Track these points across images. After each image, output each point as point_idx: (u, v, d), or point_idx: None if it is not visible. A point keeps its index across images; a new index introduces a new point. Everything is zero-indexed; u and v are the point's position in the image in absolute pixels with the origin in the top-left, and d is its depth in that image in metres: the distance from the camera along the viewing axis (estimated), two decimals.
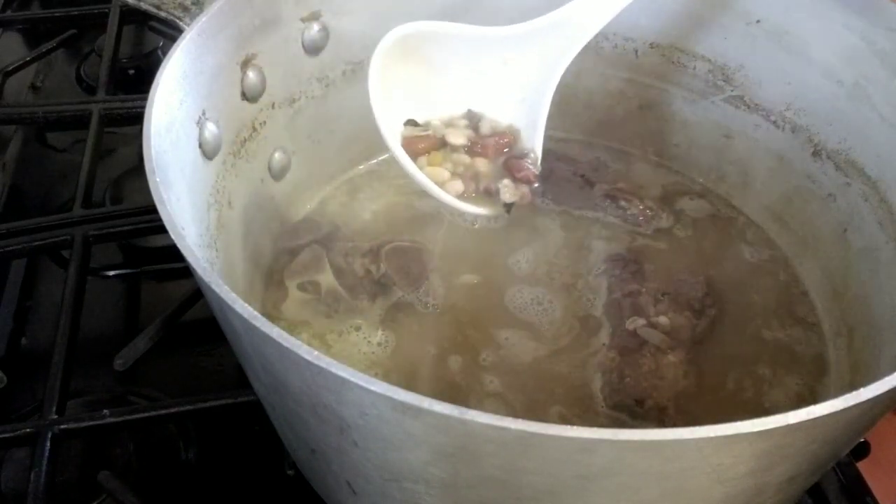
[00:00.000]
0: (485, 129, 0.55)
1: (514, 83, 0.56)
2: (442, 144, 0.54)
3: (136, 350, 0.59)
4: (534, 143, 0.55)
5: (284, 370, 0.34)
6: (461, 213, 0.55)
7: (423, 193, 0.60)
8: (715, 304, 0.56)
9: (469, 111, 0.57)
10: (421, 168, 0.53)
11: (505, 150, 0.55)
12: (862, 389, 0.30)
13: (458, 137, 0.54)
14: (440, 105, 0.56)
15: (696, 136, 0.67)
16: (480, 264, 0.59)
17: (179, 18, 0.55)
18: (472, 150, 0.54)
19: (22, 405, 0.60)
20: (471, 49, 0.55)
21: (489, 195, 0.54)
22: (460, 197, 0.53)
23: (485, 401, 0.51)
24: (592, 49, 0.65)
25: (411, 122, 0.55)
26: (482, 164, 0.54)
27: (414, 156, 0.53)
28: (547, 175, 0.64)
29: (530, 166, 0.54)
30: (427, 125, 0.55)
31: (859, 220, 0.55)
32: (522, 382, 0.52)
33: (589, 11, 0.53)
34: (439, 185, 0.52)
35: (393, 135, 0.53)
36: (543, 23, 0.54)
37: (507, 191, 0.53)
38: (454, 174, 0.53)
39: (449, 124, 0.55)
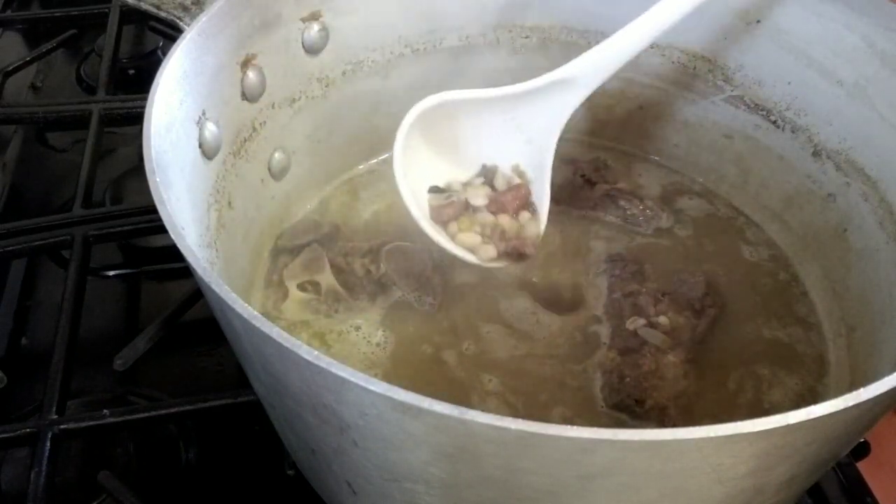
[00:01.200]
0: (500, 184, 0.57)
1: (521, 128, 0.57)
2: (466, 207, 0.56)
3: (136, 350, 0.59)
4: (542, 185, 0.57)
5: (284, 370, 0.34)
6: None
7: None
8: (715, 304, 0.56)
9: (483, 167, 0.58)
10: (454, 235, 0.55)
11: (525, 204, 0.57)
12: (862, 389, 0.30)
13: (478, 199, 0.56)
14: (456, 166, 0.58)
15: (696, 136, 0.67)
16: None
17: (179, 18, 0.55)
18: (491, 207, 0.56)
19: (22, 405, 0.60)
20: (481, 109, 0.56)
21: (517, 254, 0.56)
22: (492, 259, 0.55)
23: (486, 400, 0.51)
24: None
25: (435, 189, 0.56)
26: (504, 220, 0.56)
27: (443, 223, 0.55)
28: None
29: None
30: (449, 188, 0.57)
31: (859, 220, 0.55)
32: (523, 382, 0.52)
33: (592, 69, 0.55)
34: (472, 249, 0.55)
35: (419, 208, 0.55)
36: (548, 80, 0.55)
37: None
38: (484, 237, 0.55)
39: (468, 185, 0.57)
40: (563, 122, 0.56)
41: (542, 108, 0.56)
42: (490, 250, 0.55)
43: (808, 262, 0.60)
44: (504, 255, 0.55)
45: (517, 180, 0.57)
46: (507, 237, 0.55)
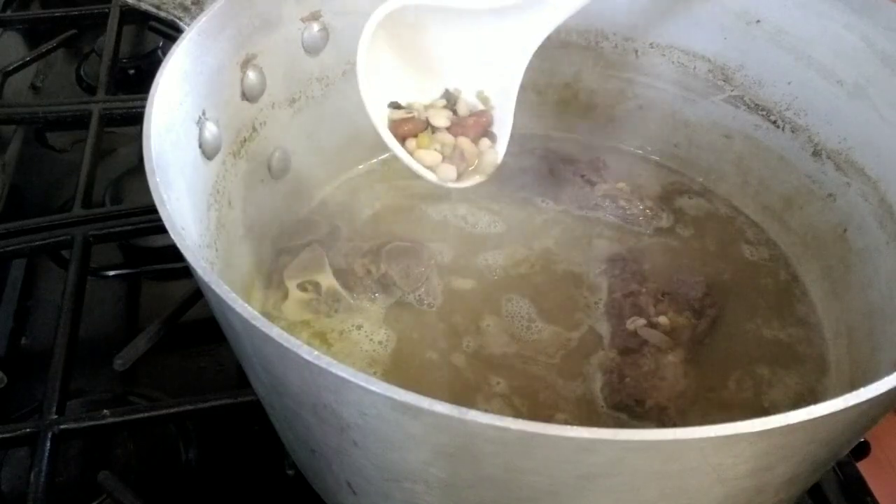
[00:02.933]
0: (462, 110, 0.57)
1: (489, 50, 0.57)
2: (426, 125, 0.56)
3: (136, 350, 0.59)
4: (505, 113, 0.57)
5: (284, 370, 0.34)
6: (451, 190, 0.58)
7: (424, 194, 0.61)
8: (715, 304, 0.56)
9: (446, 91, 0.58)
10: (412, 151, 0.55)
11: (486, 132, 0.57)
12: (862, 389, 0.30)
13: (440, 120, 0.56)
14: (419, 86, 0.57)
15: (696, 136, 0.67)
16: (480, 264, 0.59)
17: (179, 18, 0.55)
18: (453, 130, 0.56)
19: (22, 405, 0.60)
20: (451, 22, 0.56)
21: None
22: (452, 180, 0.55)
23: (489, 399, 0.51)
24: (592, 49, 0.66)
25: (394, 105, 0.56)
26: (465, 143, 0.56)
27: (401, 138, 0.55)
28: (547, 175, 0.65)
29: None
30: (410, 107, 0.56)
31: (859, 220, 0.55)
32: (523, 382, 0.52)
33: None
34: (433, 167, 0.55)
35: (380, 118, 0.55)
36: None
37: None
38: (445, 156, 0.55)
39: (429, 106, 0.57)
40: (532, 48, 0.56)
41: (513, 30, 0.55)
42: (451, 170, 0.55)
43: (808, 262, 0.60)
44: (462, 176, 0.55)
45: (480, 107, 0.57)
46: (467, 159, 0.55)
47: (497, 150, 0.57)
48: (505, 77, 0.56)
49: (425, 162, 0.55)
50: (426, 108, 0.57)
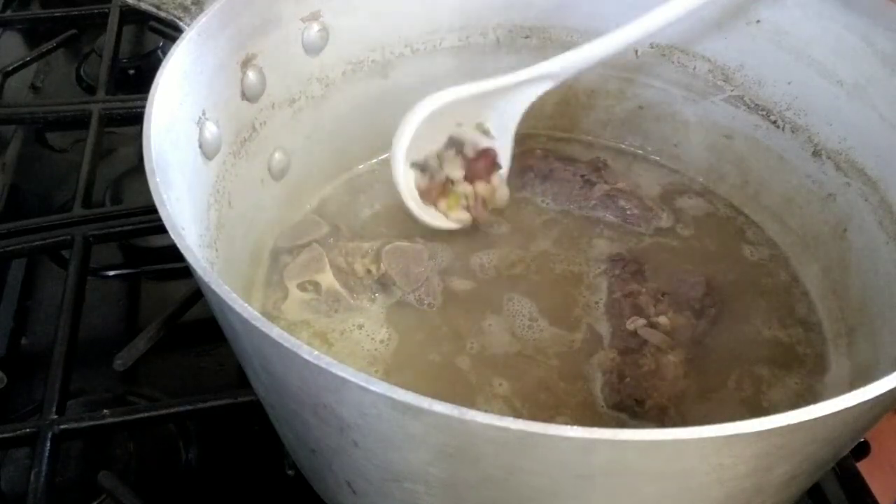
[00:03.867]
0: (469, 152, 0.61)
1: (492, 101, 0.61)
2: (447, 183, 0.60)
3: (136, 350, 0.59)
4: (504, 140, 0.61)
5: (284, 370, 0.34)
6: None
7: None
8: (715, 304, 0.56)
9: (450, 138, 0.60)
10: (445, 213, 0.60)
11: (494, 165, 0.61)
12: (862, 389, 0.30)
13: (456, 171, 0.60)
14: (427, 138, 0.60)
15: (696, 136, 0.67)
16: (480, 264, 0.59)
17: (179, 18, 0.55)
18: (468, 177, 0.60)
19: (22, 405, 0.61)
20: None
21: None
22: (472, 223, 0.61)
23: (489, 398, 0.51)
24: None
25: (416, 166, 0.59)
26: (482, 188, 0.61)
27: (433, 202, 0.60)
28: (547, 175, 0.65)
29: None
30: (425, 162, 0.60)
31: (859, 220, 0.55)
32: (523, 382, 0.52)
33: (573, 65, 0.60)
34: (461, 221, 0.60)
35: (415, 202, 0.59)
36: (536, 73, 0.59)
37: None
38: (469, 207, 0.60)
39: (441, 156, 0.60)
40: (533, 99, 0.60)
41: (520, 90, 0.60)
42: (471, 219, 0.60)
43: (808, 262, 0.60)
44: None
45: (482, 143, 0.61)
46: (487, 201, 0.61)
47: (502, 175, 0.61)
48: (505, 118, 0.61)
49: (457, 220, 0.60)
50: (439, 158, 0.60)
